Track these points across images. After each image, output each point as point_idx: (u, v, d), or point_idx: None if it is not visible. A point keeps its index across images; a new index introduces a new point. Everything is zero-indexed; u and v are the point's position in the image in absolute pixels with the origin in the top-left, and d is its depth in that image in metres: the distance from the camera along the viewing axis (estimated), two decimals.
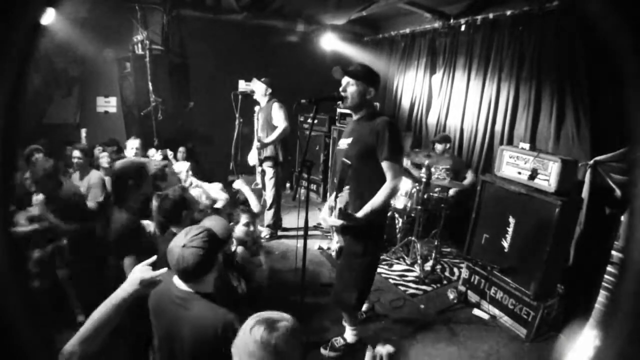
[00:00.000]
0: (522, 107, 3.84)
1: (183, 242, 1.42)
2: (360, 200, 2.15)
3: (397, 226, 4.15)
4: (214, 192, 3.06)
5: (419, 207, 3.70)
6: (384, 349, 1.09)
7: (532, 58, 3.69)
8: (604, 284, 2.07)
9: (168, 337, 1.48)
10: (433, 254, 3.82)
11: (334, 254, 2.45)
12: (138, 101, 4.65)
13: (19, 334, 0.65)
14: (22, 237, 2.37)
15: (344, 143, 2.27)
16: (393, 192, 2.15)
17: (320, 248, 4.13)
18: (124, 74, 4.87)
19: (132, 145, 3.65)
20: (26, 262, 2.37)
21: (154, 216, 2.33)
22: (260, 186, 4.36)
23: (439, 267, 3.83)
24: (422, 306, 3.19)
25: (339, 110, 5.28)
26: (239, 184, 2.91)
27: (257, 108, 4.15)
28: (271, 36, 5.56)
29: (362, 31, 6.03)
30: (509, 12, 3.82)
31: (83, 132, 4.23)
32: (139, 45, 4.63)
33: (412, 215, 3.83)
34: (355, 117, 2.28)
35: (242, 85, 5.38)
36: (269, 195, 4.27)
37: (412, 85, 5.27)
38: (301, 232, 2.16)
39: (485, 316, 3.05)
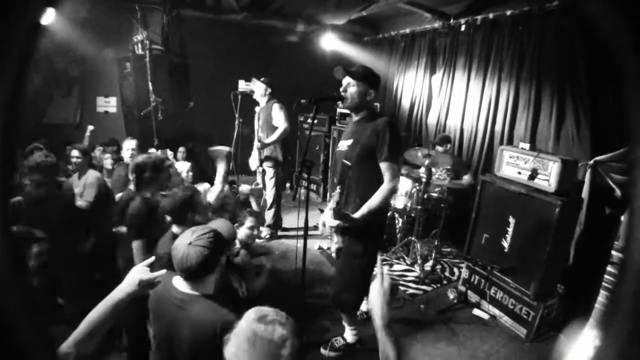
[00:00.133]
0: (522, 107, 3.84)
1: (189, 240, 1.42)
2: (360, 201, 2.15)
3: (397, 226, 4.15)
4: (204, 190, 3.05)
5: (419, 207, 3.70)
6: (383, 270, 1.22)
7: (532, 58, 3.69)
8: (604, 284, 2.07)
9: (167, 337, 1.48)
10: (433, 254, 3.82)
11: (334, 254, 2.45)
12: (138, 101, 4.65)
13: (19, 334, 0.65)
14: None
15: (344, 144, 2.27)
16: (391, 194, 2.15)
17: (320, 248, 4.13)
18: (124, 74, 4.87)
19: (127, 146, 3.58)
20: (26, 261, 2.37)
21: (132, 217, 2.32)
22: (260, 186, 4.37)
23: (439, 267, 3.83)
24: (422, 306, 3.18)
25: (339, 110, 5.28)
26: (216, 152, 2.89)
27: (257, 108, 4.15)
28: (271, 36, 5.57)
29: (362, 31, 6.03)
30: (509, 12, 3.82)
31: (88, 130, 4.20)
32: (139, 45, 4.63)
33: (412, 215, 3.83)
34: (355, 118, 2.28)
35: (242, 85, 5.39)
36: (269, 195, 4.27)
37: (412, 85, 5.27)
38: (301, 232, 2.16)
39: (485, 316, 3.05)
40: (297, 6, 5.12)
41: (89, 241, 2.83)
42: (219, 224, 1.97)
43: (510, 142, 3.88)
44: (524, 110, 3.82)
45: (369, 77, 2.18)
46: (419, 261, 3.71)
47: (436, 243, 3.84)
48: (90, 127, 4.25)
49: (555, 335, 2.79)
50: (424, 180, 3.63)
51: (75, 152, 3.24)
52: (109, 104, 5.23)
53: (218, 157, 2.82)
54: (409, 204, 3.76)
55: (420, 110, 5.15)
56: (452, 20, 4.51)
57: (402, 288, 3.44)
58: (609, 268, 2.03)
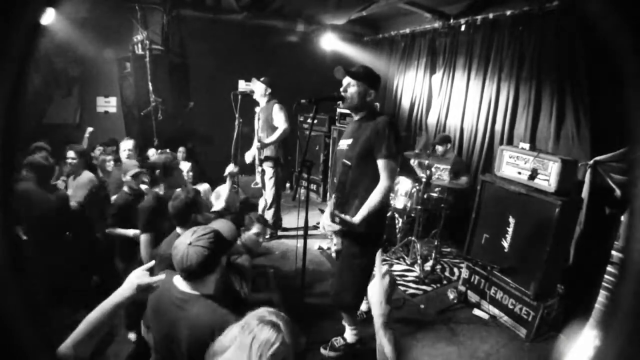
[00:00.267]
0: (522, 107, 3.84)
1: (189, 240, 1.42)
2: (359, 202, 2.15)
3: (397, 226, 4.15)
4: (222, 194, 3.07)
5: (419, 207, 3.70)
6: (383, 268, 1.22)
7: (532, 58, 3.69)
8: (604, 284, 2.07)
9: (167, 337, 1.48)
10: (433, 254, 3.82)
11: (333, 254, 2.45)
12: (138, 101, 4.65)
13: (19, 334, 0.65)
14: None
15: (344, 144, 2.27)
16: (388, 192, 2.14)
17: (320, 248, 4.13)
18: (124, 74, 4.87)
19: (124, 147, 3.59)
20: (26, 261, 2.37)
21: (142, 211, 2.35)
22: (259, 185, 4.37)
23: (439, 267, 3.83)
24: (422, 306, 3.18)
25: (339, 110, 5.28)
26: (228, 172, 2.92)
27: (257, 108, 4.16)
28: (271, 36, 5.57)
29: (362, 31, 6.03)
30: (509, 12, 3.82)
31: (87, 131, 4.19)
32: (139, 45, 4.63)
33: (412, 215, 3.83)
34: (355, 117, 2.28)
35: (242, 85, 5.39)
36: (268, 195, 4.27)
37: (412, 85, 5.27)
38: (301, 232, 2.16)
39: (485, 316, 3.05)
40: (297, 6, 5.12)
41: (75, 243, 2.80)
42: (220, 225, 1.97)
43: (510, 142, 3.88)
44: (524, 110, 3.82)
45: (369, 77, 2.18)
46: (419, 261, 3.72)
47: (436, 243, 3.84)
48: (90, 129, 4.25)
49: (555, 335, 2.79)
50: (424, 180, 3.63)
51: (71, 153, 3.23)
52: (109, 104, 5.22)
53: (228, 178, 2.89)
54: (409, 204, 3.76)
55: (420, 110, 5.15)
56: (452, 20, 4.51)
57: (402, 288, 3.44)
58: (609, 268, 2.03)
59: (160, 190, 2.65)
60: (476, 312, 3.11)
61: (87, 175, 3.19)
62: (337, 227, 2.10)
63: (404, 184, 3.81)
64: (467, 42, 4.42)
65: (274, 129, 4.02)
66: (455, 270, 3.82)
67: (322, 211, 5.31)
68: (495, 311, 3.04)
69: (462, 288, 3.31)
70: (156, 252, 2.09)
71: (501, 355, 2.65)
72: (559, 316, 2.86)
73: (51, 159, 2.89)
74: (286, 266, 3.64)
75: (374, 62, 5.70)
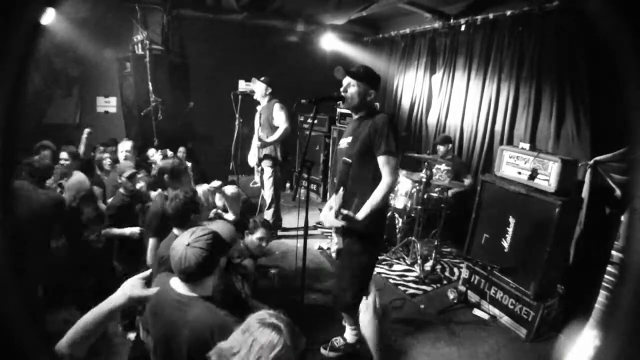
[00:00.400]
0: (522, 107, 3.84)
1: (187, 241, 1.42)
2: (360, 200, 2.15)
3: (397, 226, 4.15)
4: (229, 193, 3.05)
5: (419, 207, 3.70)
6: (370, 297, 1.13)
7: (532, 58, 3.69)
8: (604, 284, 2.07)
9: (165, 339, 1.47)
10: (433, 254, 3.82)
11: (334, 255, 2.44)
12: (138, 101, 4.65)
13: (19, 334, 0.65)
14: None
15: (344, 142, 2.27)
16: (391, 188, 2.13)
17: (320, 248, 4.13)
18: (124, 74, 4.87)
19: (122, 149, 3.58)
20: (26, 261, 2.37)
21: (153, 214, 2.34)
22: (258, 184, 4.37)
23: (439, 267, 3.83)
24: (422, 306, 3.18)
25: (339, 110, 5.28)
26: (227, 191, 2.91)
27: (259, 107, 4.16)
28: (271, 36, 5.57)
29: (362, 31, 6.03)
30: (509, 12, 3.82)
31: (85, 132, 4.18)
32: (139, 45, 4.63)
33: (412, 215, 3.83)
34: (355, 116, 2.28)
35: (242, 85, 5.39)
36: (267, 194, 4.27)
37: (412, 85, 5.27)
38: (301, 232, 2.16)
39: (485, 316, 3.05)
40: (297, 6, 5.12)
41: (61, 243, 2.78)
42: (219, 226, 1.97)
43: (510, 142, 3.88)
44: (524, 110, 3.82)
45: (369, 77, 2.18)
46: (419, 261, 3.72)
47: (436, 243, 3.84)
48: (87, 130, 4.23)
49: (555, 335, 2.79)
50: (424, 180, 3.63)
51: (63, 154, 3.21)
52: (109, 104, 5.22)
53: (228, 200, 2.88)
54: (409, 204, 3.76)
55: (420, 110, 5.15)
56: (452, 20, 4.51)
57: (402, 288, 3.44)
58: (609, 268, 2.03)
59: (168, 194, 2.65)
60: (476, 312, 3.11)
61: (76, 176, 3.12)
62: (340, 224, 2.09)
63: (404, 184, 3.81)
64: (467, 42, 4.42)
65: (274, 128, 4.02)
66: (455, 270, 3.82)
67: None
68: (495, 311, 3.04)
69: (462, 288, 3.31)
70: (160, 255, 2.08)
71: (501, 355, 2.65)
72: (559, 316, 2.86)
73: (43, 162, 2.87)
74: (286, 266, 3.64)
75: (374, 62, 5.70)
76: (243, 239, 2.54)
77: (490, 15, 4.02)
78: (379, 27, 5.92)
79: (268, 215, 4.29)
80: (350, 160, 2.18)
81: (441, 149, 4.17)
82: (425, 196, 3.70)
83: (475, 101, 4.34)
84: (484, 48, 4.20)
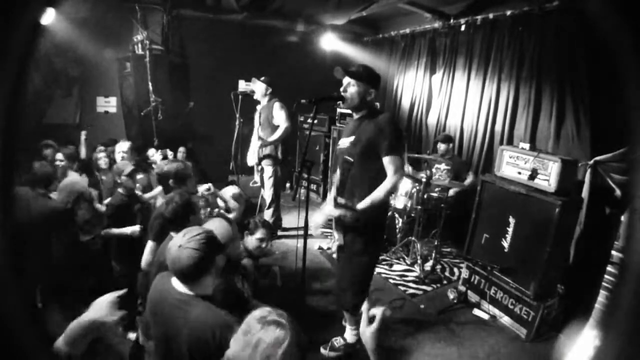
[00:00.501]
0: (522, 107, 3.84)
1: (180, 242, 1.42)
2: (360, 199, 2.15)
3: (397, 226, 4.15)
4: (228, 197, 3.04)
5: (419, 207, 3.70)
6: (378, 310, 1.11)
7: (532, 58, 3.69)
8: (604, 284, 2.07)
9: (165, 339, 1.47)
10: (433, 254, 3.81)
11: (334, 254, 2.45)
12: (138, 101, 4.65)
13: (19, 334, 0.65)
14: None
15: (345, 142, 2.27)
16: (394, 187, 2.14)
17: (320, 248, 4.13)
18: (124, 74, 4.87)
19: (120, 149, 3.54)
20: (26, 262, 2.36)
21: (156, 217, 2.32)
22: (258, 184, 4.36)
23: (439, 267, 3.83)
24: (422, 306, 3.18)
25: (339, 110, 5.28)
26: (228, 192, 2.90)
27: (259, 107, 4.16)
28: (271, 36, 5.57)
29: (362, 31, 6.03)
30: (509, 12, 3.82)
31: (83, 134, 4.18)
32: (139, 45, 4.63)
33: (412, 215, 3.83)
34: (356, 116, 2.28)
35: (242, 85, 5.39)
36: (267, 194, 4.27)
37: (412, 85, 5.27)
38: (301, 232, 2.16)
39: (485, 316, 3.05)
40: (297, 6, 5.12)
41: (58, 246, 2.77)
42: (216, 225, 1.95)
43: (510, 142, 3.88)
44: (524, 110, 3.82)
45: (369, 77, 2.17)
46: (419, 261, 3.72)
47: (436, 243, 3.84)
48: (84, 132, 4.23)
49: (555, 335, 2.79)
50: (424, 180, 3.63)
51: (59, 155, 3.18)
52: (109, 104, 5.22)
53: (232, 200, 2.86)
54: (409, 204, 3.76)
55: (420, 110, 5.15)
56: (452, 20, 4.51)
57: (402, 288, 3.44)
58: (609, 268, 2.03)
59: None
60: (476, 312, 3.11)
61: (69, 178, 3.06)
62: (337, 212, 2.08)
63: (404, 184, 3.81)
64: (467, 42, 4.42)
65: (274, 127, 4.02)
66: (455, 270, 3.82)
67: None
68: (495, 311, 3.04)
69: (462, 288, 3.31)
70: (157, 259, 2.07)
71: (501, 355, 2.65)
72: (559, 316, 2.86)
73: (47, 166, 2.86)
74: (286, 266, 3.64)
75: (374, 62, 5.70)
76: (243, 239, 2.53)
77: (490, 15, 4.02)
78: (379, 27, 5.92)
79: (268, 215, 4.29)
80: (352, 160, 2.18)
81: (442, 147, 4.17)
82: (425, 196, 3.70)
83: (475, 101, 4.34)
84: (484, 48, 4.20)
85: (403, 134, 2.26)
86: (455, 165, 4.10)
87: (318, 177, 5.74)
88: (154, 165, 3.85)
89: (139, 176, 3.09)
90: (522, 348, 2.74)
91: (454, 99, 4.64)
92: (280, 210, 4.44)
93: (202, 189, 3.03)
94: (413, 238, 3.81)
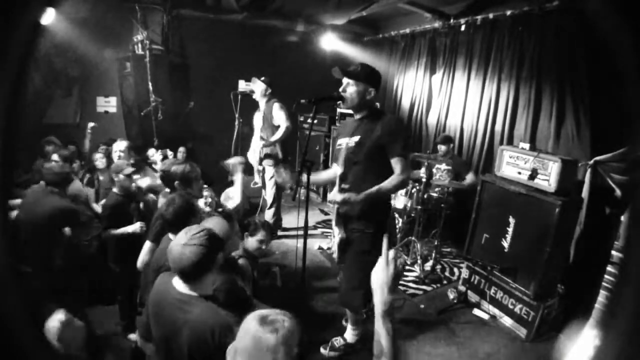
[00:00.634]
0: (522, 107, 3.84)
1: (183, 240, 1.42)
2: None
3: (397, 226, 4.14)
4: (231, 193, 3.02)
5: (419, 207, 3.70)
6: (391, 253, 1.13)
7: (532, 58, 3.69)
8: (604, 284, 2.07)
9: (166, 340, 1.47)
10: (433, 254, 3.82)
11: (335, 255, 2.43)
12: (138, 101, 4.65)
13: (19, 334, 0.65)
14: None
15: (346, 141, 2.25)
16: (402, 184, 2.18)
17: (320, 248, 4.13)
18: (124, 74, 4.87)
19: (117, 148, 3.50)
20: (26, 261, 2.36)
21: (157, 218, 2.31)
22: (259, 185, 4.36)
23: (439, 267, 3.83)
24: (422, 306, 3.19)
25: (339, 110, 5.28)
26: (234, 163, 2.86)
27: (259, 107, 4.16)
28: (271, 36, 5.57)
29: (362, 31, 6.03)
30: (509, 12, 3.82)
31: (89, 126, 4.16)
32: (139, 45, 4.63)
33: (412, 215, 3.83)
34: (357, 116, 2.27)
35: (242, 85, 5.40)
36: (269, 194, 4.27)
37: (412, 85, 5.27)
38: (301, 232, 2.15)
39: (485, 316, 3.05)
40: (297, 6, 5.12)
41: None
42: (214, 223, 1.95)
43: (510, 142, 3.88)
44: (524, 110, 3.82)
45: (368, 76, 2.16)
46: (419, 261, 3.71)
47: (436, 243, 3.84)
48: (91, 124, 4.21)
49: (555, 335, 2.79)
50: (424, 180, 3.63)
51: (55, 157, 3.15)
52: (109, 104, 5.22)
53: (234, 169, 2.82)
54: (409, 204, 3.75)
55: (420, 110, 5.15)
56: (452, 20, 4.51)
57: (402, 288, 3.44)
58: (609, 268, 2.03)
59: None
60: (476, 312, 3.11)
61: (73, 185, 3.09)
62: (340, 197, 2.08)
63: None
64: (467, 42, 4.42)
65: (274, 128, 4.02)
66: (455, 270, 3.82)
67: (322, 211, 5.33)
68: (495, 311, 3.04)
69: (462, 288, 3.31)
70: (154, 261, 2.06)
71: (501, 355, 2.65)
72: (559, 316, 2.86)
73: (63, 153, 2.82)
74: (286, 266, 3.65)
75: (374, 62, 5.69)
76: (243, 240, 2.53)
77: (490, 15, 4.02)
78: (379, 27, 5.92)
79: (269, 215, 4.29)
80: (356, 159, 2.18)
81: (442, 148, 4.17)
82: (425, 196, 3.70)
83: (475, 101, 4.34)
84: (484, 48, 4.20)
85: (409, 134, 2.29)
86: (456, 165, 4.10)
87: None
88: (154, 165, 3.85)
89: (138, 177, 3.08)
90: (522, 348, 2.74)
91: (454, 99, 4.64)
92: (281, 210, 4.45)
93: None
94: (413, 238, 3.81)
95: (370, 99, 2.19)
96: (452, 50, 4.63)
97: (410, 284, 3.51)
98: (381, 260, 1.14)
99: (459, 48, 4.54)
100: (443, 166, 4.11)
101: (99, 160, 3.57)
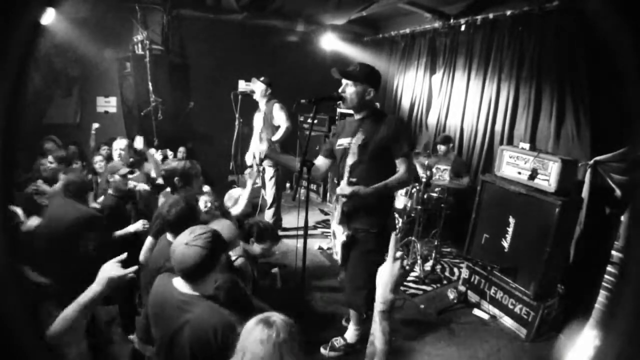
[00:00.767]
0: (522, 107, 3.84)
1: (186, 240, 1.42)
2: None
3: (397, 226, 4.14)
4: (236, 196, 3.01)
5: (419, 207, 3.70)
6: (399, 253, 1.12)
7: (532, 58, 3.69)
8: (604, 284, 2.07)
9: (169, 339, 1.47)
10: (433, 254, 3.82)
11: (337, 255, 2.42)
12: (138, 101, 4.65)
13: (19, 334, 0.65)
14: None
15: (348, 141, 2.24)
16: (406, 182, 2.21)
17: (320, 248, 4.13)
18: (124, 74, 4.87)
19: (117, 146, 3.49)
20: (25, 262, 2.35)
21: (157, 217, 2.31)
22: (259, 184, 4.36)
23: (439, 267, 3.83)
24: (422, 306, 3.18)
25: (339, 110, 5.28)
26: (248, 176, 2.86)
27: (259, 107, 4.16)
28: (271, 36, 5.57)
29: (362, 31, 6.03)
30: (508, 12, 3.82)
31: (93, 127, 4.16)
32: (139, 45, 4.63)
33: (412, 215, 3.83)
34: (357, 116, 2.27)
35: (242, 85, 5.40)
36: (268, 194, 4.26)
37: (412, 85, 5.27)
38: (301, 232, 2.15)
39: (485, 316, 3.05)
40: (297, 6, 5.12)
41: None
42: (221, 225, 1.96)
43: (510, 142, 3.88)
44: (524, 110, 3.82)
45: (367, 76, 2.16)
46: (419, 261, 3.71)
47: (436, 243, 3.84)
48: (95, 125, 4.21)
49: (555, 335, 2.79)
50: (424, 180, 3.63)
51: (50, 158, 3.10)
52: (109, 104, 5.22)
53: (250, 176, 2.83)
54: (409, 204, 3.75)
55: (420, 110, 5.15)
56: (452, 20, 4.51)
57: (402, 288, 3.44)
58: (609, 268, 2.03)
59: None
60: (476, 312, 3.10)
61: (60, 184, 2.96)
62: (349, 190, 2.09)
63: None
64: (467, 42, 4.42)
65: (274, 128, 4.02)
66: (455, 270, 3.82)
67: (322, 211, 5.33)
68: (495, 311, 3.04)
69: (462, 288, 3.31)
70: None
71: (501, 355, 2.65)
72: (559, 316, 2.86)
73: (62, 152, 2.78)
74: (286, 266, 3.64)
75: (374, 62, 5.69)
76: (247, 243, 2.51)
77: (490, 15, 4.02)
78: (379, 27, 5.92)
79: (268, 215, 4.29)
80: (359, 159, 2.18)
81: (442, 148, 4.18)
82: (425, 196, 3.70)
83: (475, 101, 4.34)
84: (484, 48, 4.20)
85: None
86: (456, 165, 4.10)
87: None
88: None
89: (136, 174, 3.08)
90: (522, 348, 2.74)
91: (454, 99, 4.64)
92: (281, 210, 4.45)
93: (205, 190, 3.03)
94: (413, 238, 3.81)
95: (369, 99, 2.19)
96: (452, 50, 4.63)
97: (410, 284, 3.51)
98: (389, 258, 1.12)
99: (459, 48, 4.55)
100: (443, 166, 4.11)
101: (98, 164, 3.57)
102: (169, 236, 2.06)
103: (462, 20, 4.36)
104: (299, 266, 2.19)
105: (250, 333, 1.06)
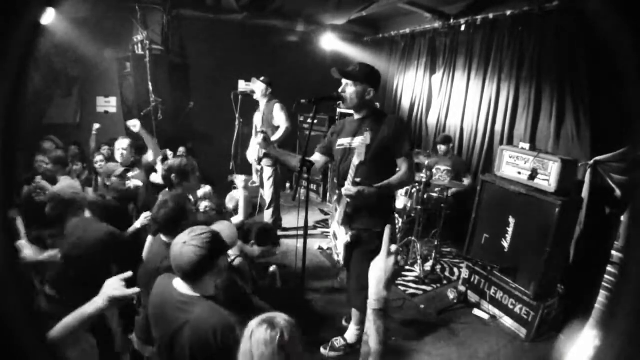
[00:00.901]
0: (522, 107, 3.85)
1: (185, 239, 1.42)
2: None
3: (397, 226, 4.14)
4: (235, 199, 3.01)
5: (419, 207, 3.70)
6: (393, 247, 1.09)
7: (532, 58, 3.69)
8: (604, 284, 2.07)
9: (168, 341, 1.47)
10: (433, 254, 3.82)
11: (340, 257, 2.42)
12: (138, 101, 4.65)
13: (19, 334, 0.65)
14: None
15: (349, 141, 2.25)
16: (409, 181, 2.23)
17: (320, 248, 4.13)
18: (124, 74, 4.87)
19: (119, 146, 3.47)
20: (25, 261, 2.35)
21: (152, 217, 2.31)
22: (257, 184, 4.36)
23: (439, 267, 3.83)
24: (422, 306, 3.18)
25: (339, 110, 5.28)
26: (239, 184, 2.86)
27: (259, 107, 4.16)
28: (271, 36, 5.57)
29: (362, 31, 6.03)
30: (509, 12, 3.82)
31: (94, 128, 4.16)
32: (139, 45, 4.63)
33: (412, 215, 3.83)
34: (357, 116, 2.27)
35: (242, 85, 5.40)
36: (267, 194, 4.27)
37: (412, 85, 5.27)
38: (301, 232, 2.16)
39: (485, 316, 3.05)
40: (297, 6, 5.12)
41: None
42: (222, 227, 1.96)
43: (510, 142, 3.88)
44: (524, 110, 3.82)
45: (366, 76, 2.16)
46: (419, 261, 3.71)
47: (436, 243, 3.84)
48: (97, 125, 4.21)
49: (555, 335, 2.79)
50: (424, 180, 3.63)
51: (45, 158, 3.08)
52: (109, 104, 5.22)
53: (238, 185, 2.83)
54: (409, 204, 3.76)
55: (420, 110, 5.15)
56: (452, 20, 4.51)
57: (402, 288, 3.44)
58: (609, 268, 2.03)
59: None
60: (476, 312, 3.10)
61: (58, 186, 2.81)
62: (354, 190, 2.08)
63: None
64: (467, 42, 4.42)
65: (274, 128, 4.02)
66: (455, 270, 3.82)
67: (322, 211, 5.33)
68: (495, 311, 3.04)
69: (462, 288, 3.31)
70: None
71: (501, 355, 2.65)
72: (559, 316, 2.86)
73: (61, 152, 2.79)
74: (286, 266, 3.64)
75: (374, 62, 5.69)
76: (247, 243, 2.51)
77: (490, 15, 4.02)
78: (379, 27, 5.92)
79: (267, 215, 4.30)
80: (362, 159, 2.18)
81: (442, 148, 4.18)
82: (425, 196, 3.70)
83: (475, 101, 4.34)
84: (484, 48, 4.20)
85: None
86: (456, 165, 4.10)
87: (318, 177, 5.74)
88: (155, 167, 3.84)
89: (136, 172, 3.07)
90: (522, 348, 2.74)
91: (454, 99, 4.64)
92: (280, 210, 4.45)
93: (205, 190, 3.02)
94: (413, 238, 3.81)
95: (369, 99, 2.19)
96: (452, 50, 4.63)
97: (410, 284, 3.51)
98: (382, 252, 1.07)
99: (459, 48, 4.55)
100: (443, 166, 4.11)
101: (99, 164, 3.57)
102: (163, 237, 2.05)
103: (462, 20, 4.36)
104: (299, 266, 2.19)
105: (254, 334, 1.06)
